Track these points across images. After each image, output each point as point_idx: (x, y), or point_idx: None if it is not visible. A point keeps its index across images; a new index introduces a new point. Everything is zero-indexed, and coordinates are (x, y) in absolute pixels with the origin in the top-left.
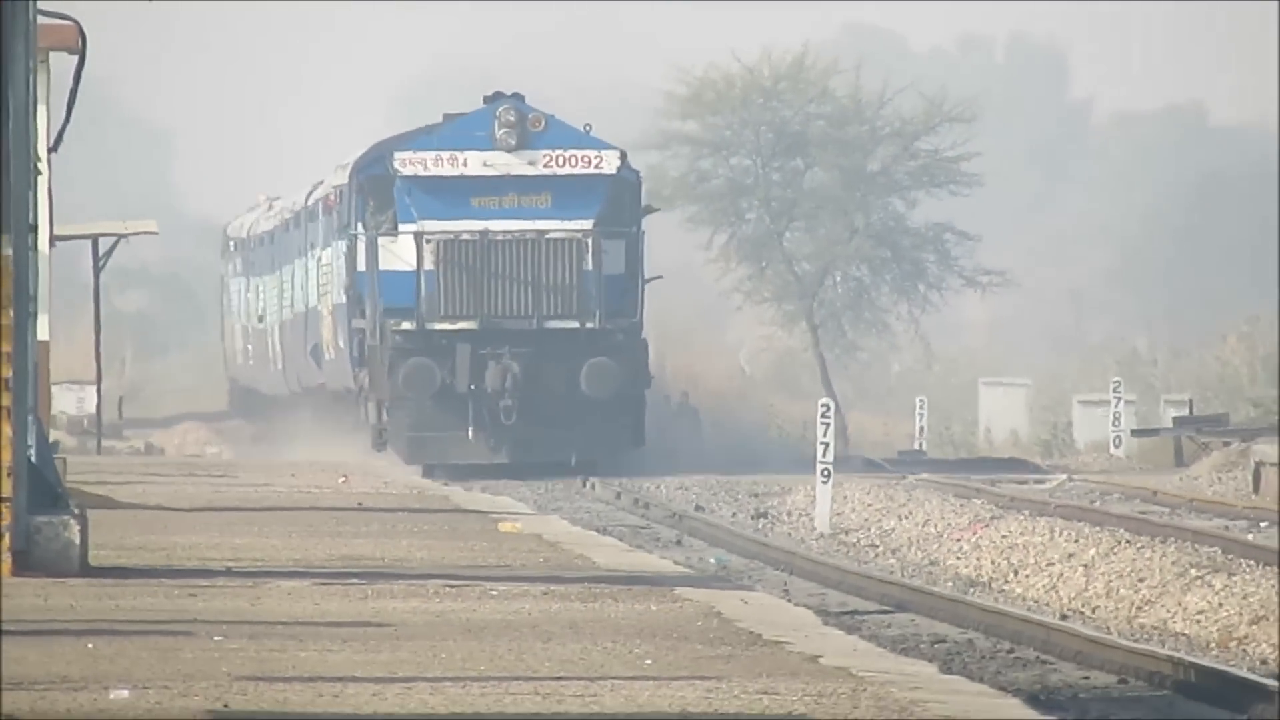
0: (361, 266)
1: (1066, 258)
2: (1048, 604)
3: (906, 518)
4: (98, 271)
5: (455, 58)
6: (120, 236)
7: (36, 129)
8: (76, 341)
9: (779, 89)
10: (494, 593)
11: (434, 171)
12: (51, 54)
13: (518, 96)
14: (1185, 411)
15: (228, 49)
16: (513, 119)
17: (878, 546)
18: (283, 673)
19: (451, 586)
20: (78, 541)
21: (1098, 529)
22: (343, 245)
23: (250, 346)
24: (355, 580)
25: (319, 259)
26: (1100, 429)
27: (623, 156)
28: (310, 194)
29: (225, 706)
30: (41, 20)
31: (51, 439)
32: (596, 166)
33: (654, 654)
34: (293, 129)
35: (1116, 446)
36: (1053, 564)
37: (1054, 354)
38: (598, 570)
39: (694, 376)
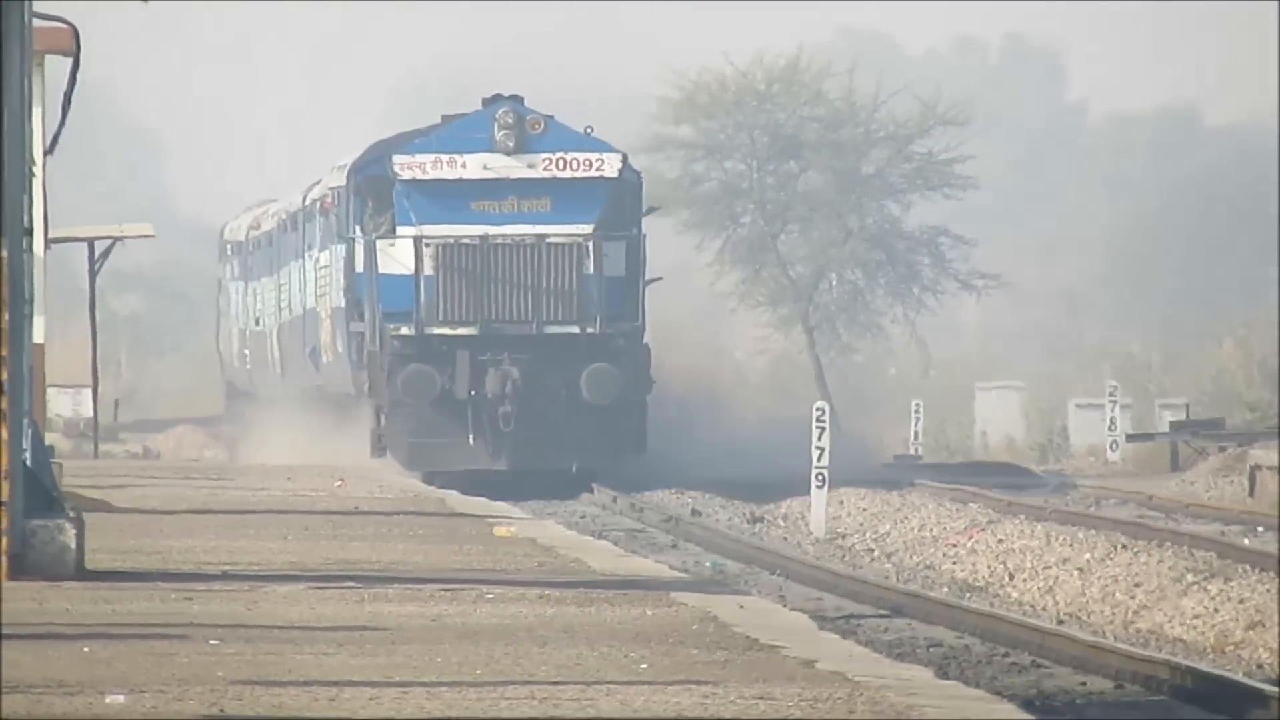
0: (360, 269)
1: (1061, 260)
2: (1044, 609)
3: (902, 522)
4: (93, 274)
5: (451, 58)
6: (116, 239)
7: (32, 132)
8: (72, 344)
9: (772, 92)
10: (489, 597)
11: (433, 175)
12: (47, 57)
13: (516, 98)
14: (1181, 416)
15: (222, 51)
16: (511, 121)
17: (874, 551)
18: (278, 677)
19: (447, 590)
20: (73, 545)
21: (1094, 533)
22: (341, 248)
23: (248, 350)
24: (351, 584)
25: (317, 261)
26: (1096, 433)
27: (624, 159)
28: (307, 194)
29: (221, 711)
30: (37, 23)
31: (47, 442)
32: (598, 169)
33: (650, 659)
34: (288, 131)
35: (1113, 451)
36: (1049, 568)
37: (1049, 357)
38: (593, 575)
39: (689, 379)
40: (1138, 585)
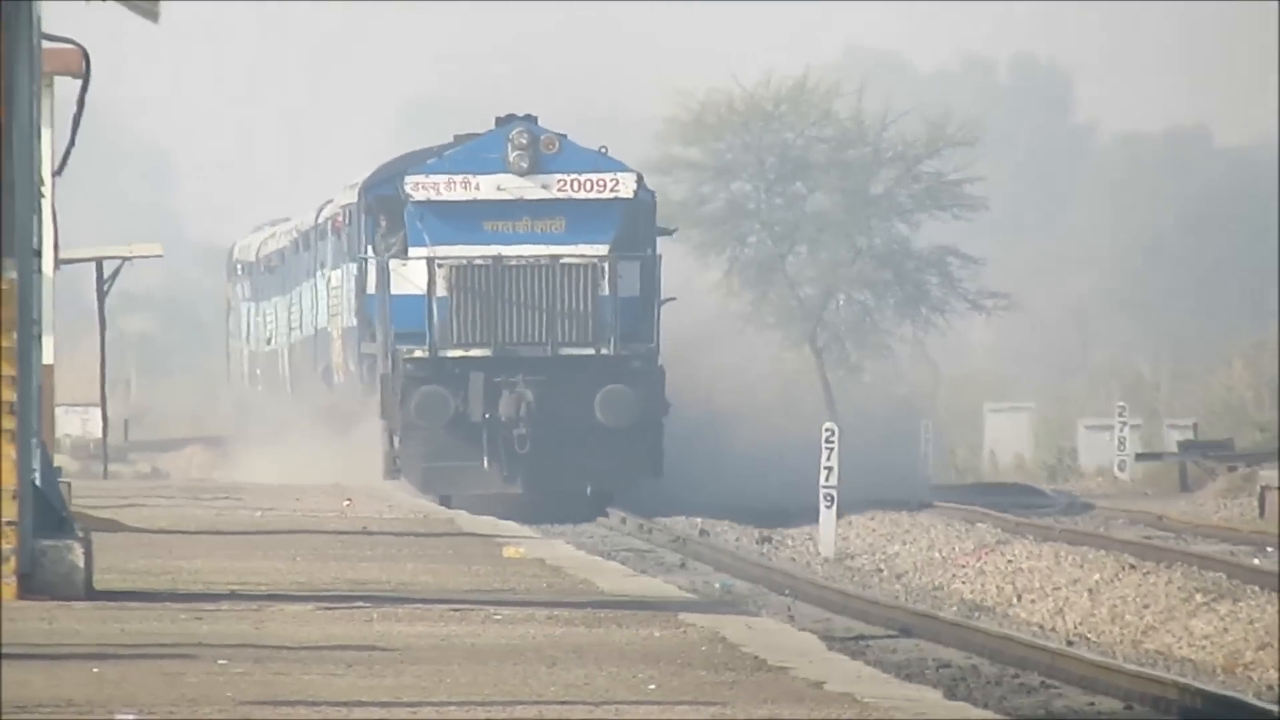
0: (371, 290)
1: (1070, 280)
2: (1053, 629)
3: (911, 543)
4: (102, 295)
5: (457, 74)
6: (125, 259)
7: (40, 153)
8: (81, 365)
9: (780, 112)
10: (498, 617)
11: (446, 196)
12: (56, 78)
13: (530, 118)
14: (1190, 436)
15: (230, 71)
16: (526, 141)
17: (883, 571)
18: (287, 697)
19: (456, 611)
20: (82, 565)
21: (1103, 554)
22: (353, 268)
23: (259, 370)
24: (360, 604)
25: (328, 280)
26: (1105, 453)
27: (639, 179)
28: (319, 213)
29: None
30: (46, 44)
31: (56, 462)
32: (613, 190)
33: (658, 679)
34: (297, 149)
35: (1121, 471)
36: (1058, 589)
37: (1058, 377)
38: (602, 595)
39: (699, 399)
40: (1147, 606)
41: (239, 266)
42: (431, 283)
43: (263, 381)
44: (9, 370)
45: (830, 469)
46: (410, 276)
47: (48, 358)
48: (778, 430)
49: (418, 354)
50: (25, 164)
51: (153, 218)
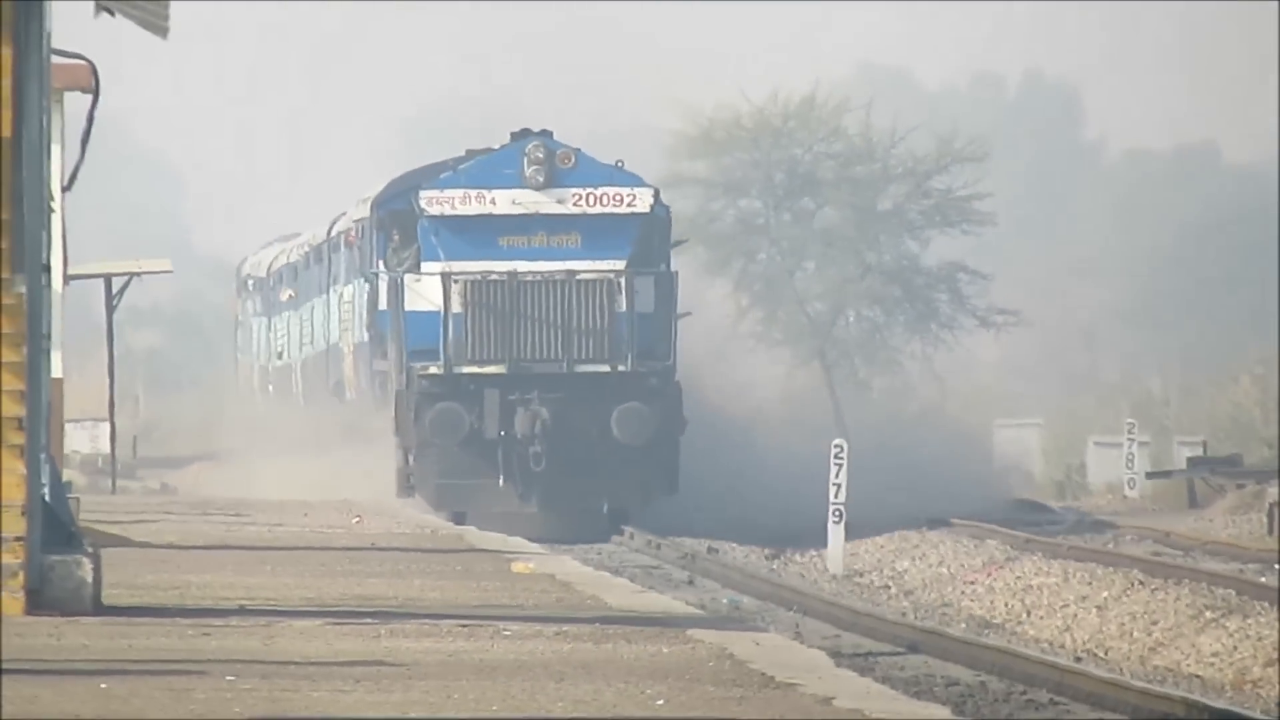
0: (383, 306)
1: (1079, 296)
2: (1061, 646)
3: (920, 559)
4: (111, 310)
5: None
6: (133, 275)
7: (50, 169)
8: (90, 380)
9: (789, 128)
10: (507, 633)
11: (460, 210)
12: (66, 94)
13: (546, 133)
14: (1199, 452)
15: (232, 78)
16: (541, 156)
17: (891, 588)
18: (296, 712)
19: (464, 626)
20: (91, 580)
21: (1111, 571)
22: (364, 283)
23: (271, 385)
24: (368, 620)
25: (340, 295)
26: (1114, 469)
27: (656, 194)
28: (331, 227)
29: None
30: (55, 60)
31: (65, 478)
32: (629, 205)
33: (666, 695)
34: (305, 163)
35: (1130, 488)
36: (1066, 606)
37: (1067, 393)
38: (610, 611)
39: (710, 416)
40: (1155, 622)
41: (249, 282)
42: (446, 298)
43: (274, 397)
44: (18, 385)
45: (839, 485)
46: (424, 292)
47: (56, 372)
48: (789, 447)
49: (432, 370)
50: (35, 179)
51: (161, 231)
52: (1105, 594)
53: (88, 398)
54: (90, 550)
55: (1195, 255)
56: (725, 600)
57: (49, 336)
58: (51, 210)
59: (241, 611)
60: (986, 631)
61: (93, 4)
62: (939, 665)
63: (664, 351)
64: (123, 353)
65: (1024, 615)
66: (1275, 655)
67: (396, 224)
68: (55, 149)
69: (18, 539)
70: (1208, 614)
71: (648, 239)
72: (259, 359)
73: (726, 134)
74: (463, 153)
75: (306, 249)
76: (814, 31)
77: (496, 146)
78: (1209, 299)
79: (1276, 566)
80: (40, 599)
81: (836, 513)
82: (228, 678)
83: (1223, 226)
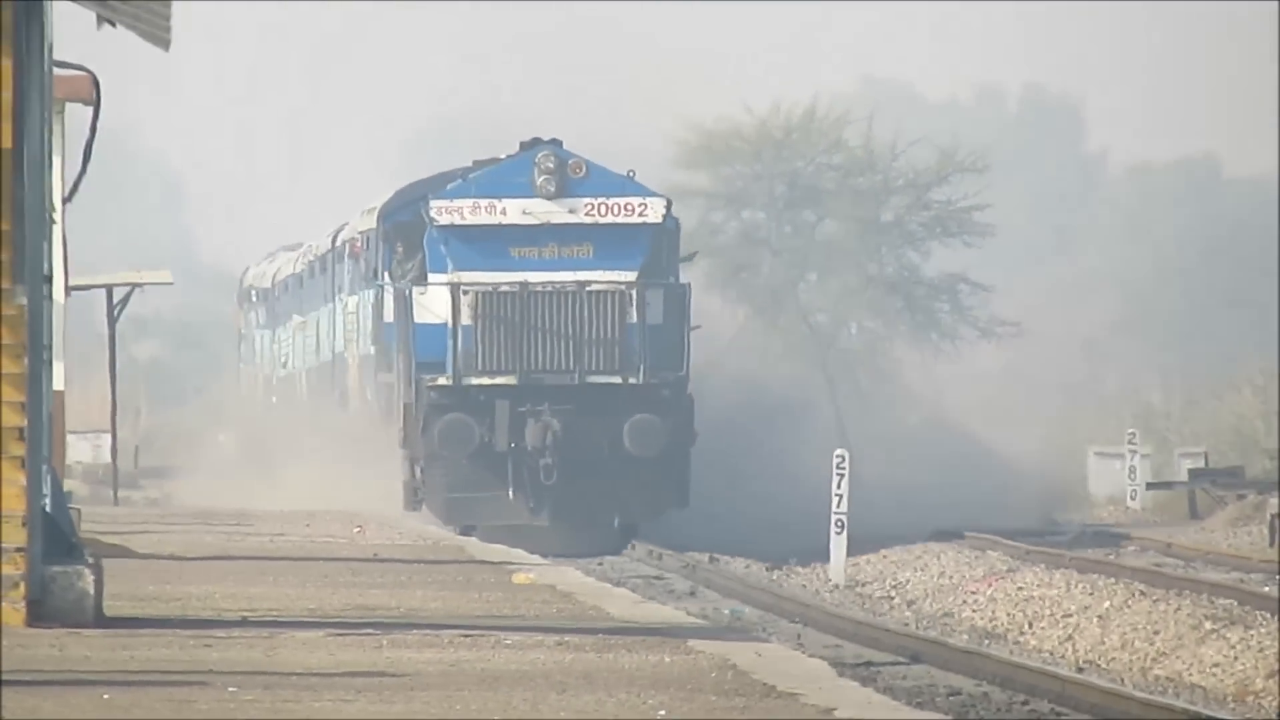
0: (389, 318)
1: (1080, 308)
2: (1063, 656)
3: (922, 569)
4: (113, 321)
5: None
6: (135, 286)
7: (51, 180)
8: (92, 391)
9: (791, 140)
10: (508, 643)
11: (471, 220)
12: (67, 105)
13: (556, 142)
14: (1200, 464)
15: (240, 96)
16: (552, 166)
17: (893, 598)
18: None
19: (466, 637)
20: (92, 591)
21: (1113, 581)
22: (370, 295)
23: (275, 396)
24: (370, 630)
25: (345, 305)
26: (1116, 481)
27: (668, 204)
28: (336, 236)
29: None
30: (57, 71)
31: (66, 488)
32: (641, 215)
33: (668, 705)
34: (306, 176)
35: (1133, 500)
36: (1068, 616)
37: (1068, 404)
38: (612, 621)
39: (715, 425)
40: (1157, 633)
41: (252, 293)
42: (456, 309)
43: (278, 408)
44: (19, 396)
45: (841, 495)
46: (431, 304)
47: (58, 384)
48: (793, 457)
49: (441, 382)
50: (36, 190)
51: (162, 243)
52: (1107, 604)
53: (90, 408)
54: (92, 561)
55: (1197, 267)
56: (727, 610)
57: (50, 347)
58: (53, 221)
59: (243, 622)
60: (988, 642)
61: (95, 15)
62: (941, 675)
63: (676, 363)
64: (125, 363)
65: (1026, 625)
66: (1277, 666)
67: (402, 235)
68: (56, 160)
69: (19, 550)
70: (1209, 625)
71: (658, 250)
72: (263, 369)
73: (727, 145)
74: (469, 163)
75: (310, 259)
76: (816, 44)
77: (503, 156)
78: (1210, 311)
79: (1278, 577)
80: (42, 610)
81: (838, 523)
82: (230, 689)
83: (1224, 239)
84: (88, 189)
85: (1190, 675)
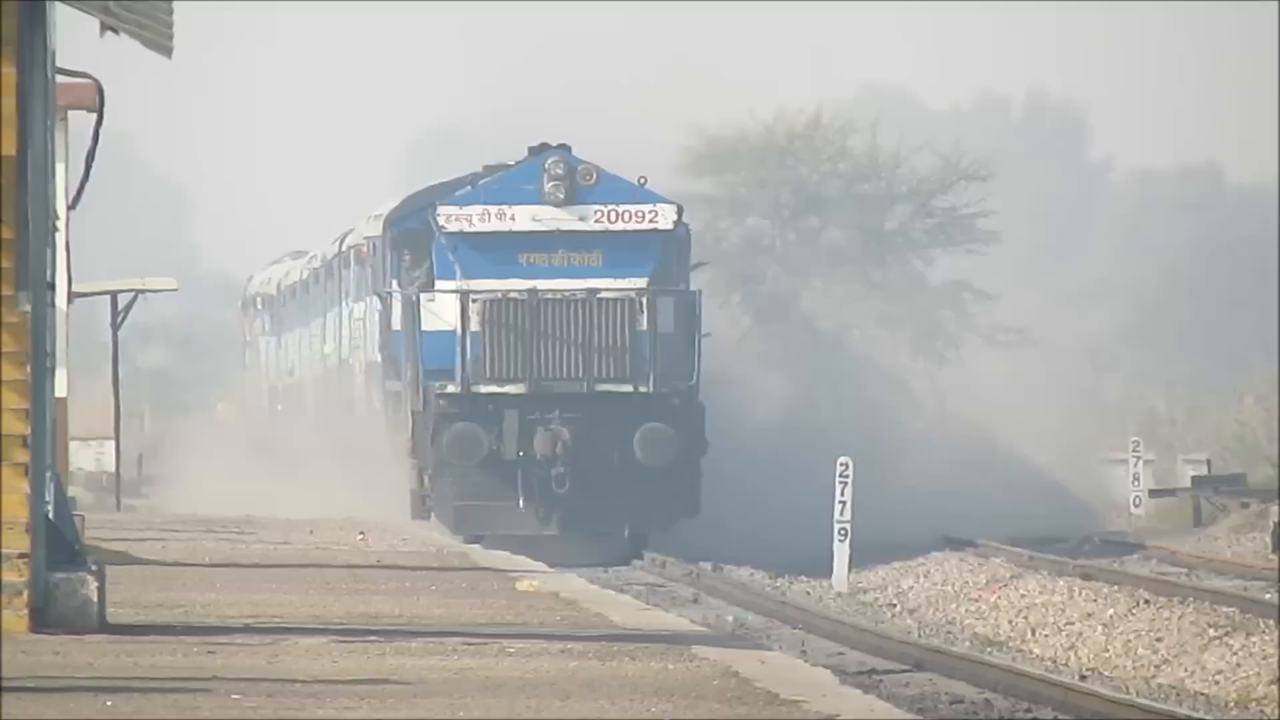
0: (397, 326)
1: (1083, 315)
2: (1066, 664)
3: (925, 577)
4: (116, 328)
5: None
6: (139, 293)
7: (55, 187)
8: (95, 398)
9: (794, 147)
10: (512, 650)
11: (479, 227)
12: (70, 112)
13: (565, 148)
14: (1203, 471)
15: (243, 104)
16: (561, 172)
17: (896, 606)
18: None
19: (470, 644)
20: (95, 598)
21: (1116, 589)
22: (376, 302)
23: (280, 405)
24: (374, 637)
25: (351, 312)
26: (1119, 488)
27: (679, 211)
28: (341, 242)
29: None
30: (60, 79)
31: (69, 495)
32: (651, 222)
33: (671, 712)
34: (310, 182)
35: (1137, 507)
36: (1071, 624)
37: (1071, 411)
38: (615, 628)
39: (719, 434)
40: (1160, 640)
41: (258, 300)
42: (465, 316)
43: (284, 415)
44: (22, 403)
45: (844, 503)
46: (440, 312)
47: (61, 391)
48: (797, 465)
49: (450, 389)
50: (40, 198)
51: (166, 250)
52: (1110, 612)
53: (93, 415)
54: (95, 568)
55: (1200, 275)
56: (730, 618)
57: (53, 354)
58: (56, 228)
59: (247, 629)
60: (991, 649)
61: (98, 23)
62: (944, 683)
63: (687, 372)
64: (128, 371)
65: (1029, 633)
66: (1279, 673)
67: (409, 242)
68: (59, 167)
69: (22, 556)
70: (1212, 632)
71: (669, 258)
72: (268, 376)
73: (732, 152)
74: (477, 169)
75: (316, 265)
76: (820, 51)
77: (511, 162)
78: (1213, 318)
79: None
80: (45, 617)
81: (841, 530)
82: (233, 696)
83: (1227, 246)
84: (91, 196)
85: (1193, 683)
